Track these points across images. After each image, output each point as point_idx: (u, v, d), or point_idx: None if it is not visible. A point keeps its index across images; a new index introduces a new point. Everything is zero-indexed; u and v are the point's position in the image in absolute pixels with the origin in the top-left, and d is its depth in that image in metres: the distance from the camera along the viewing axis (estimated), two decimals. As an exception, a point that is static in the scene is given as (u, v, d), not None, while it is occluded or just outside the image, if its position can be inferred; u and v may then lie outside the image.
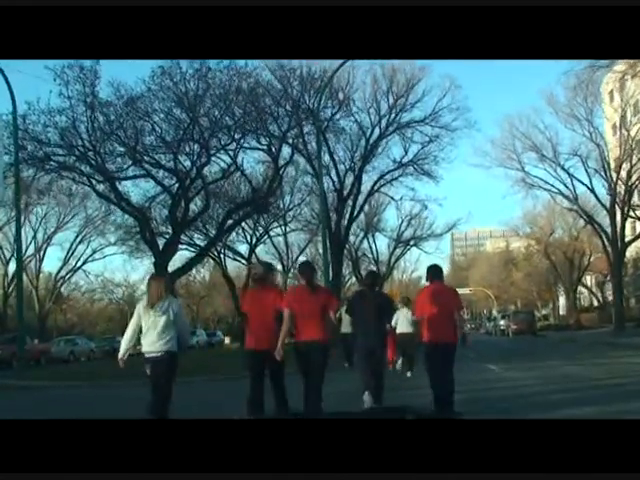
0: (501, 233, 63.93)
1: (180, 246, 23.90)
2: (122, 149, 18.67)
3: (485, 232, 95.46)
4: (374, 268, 35.17)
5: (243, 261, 32.51)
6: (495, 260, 60.64)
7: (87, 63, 16.88)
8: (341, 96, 23.12)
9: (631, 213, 29.39)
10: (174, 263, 22.82)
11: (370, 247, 37.32)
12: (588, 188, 29.82)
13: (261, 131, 20.45)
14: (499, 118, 48.60)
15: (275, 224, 30.56)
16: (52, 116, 17.36)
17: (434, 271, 6.17)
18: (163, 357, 4.84)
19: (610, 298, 37.24)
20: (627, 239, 29.92)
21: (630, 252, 33.39)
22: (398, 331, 10.73)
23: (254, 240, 31.25)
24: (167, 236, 20.94)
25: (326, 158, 24.66)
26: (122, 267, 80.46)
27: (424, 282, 7.30)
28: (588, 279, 47.26)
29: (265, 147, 21.93)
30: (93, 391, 11.87)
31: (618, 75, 24.35)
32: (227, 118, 19.13)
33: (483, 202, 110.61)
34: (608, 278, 37.62)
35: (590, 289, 47.78)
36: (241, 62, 18.44)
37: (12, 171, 16.41)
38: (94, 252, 38.65)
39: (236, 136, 19.78)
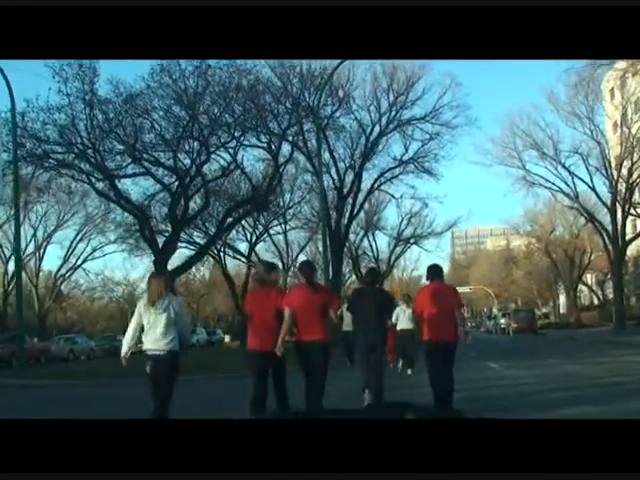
0: (501, 231, 63.88)
1: (180, 244, 23.88)
2: (121, 147, 18.62)
3: (485, 230, 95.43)
4: (374, 266, 35.17)
5: (243, 259, 32.48)
6: (495, 258, 60.62)
7: (86, 61, 16.83)
8: (341, 93, 23.06)
9: (632, 211, 29.36)
10: (174, 261, 22.83)
11: (370, 245, 37.35)
12: (589, 186, 29.82)
13: (261, 129, 20.40)
14: (500, 116, 48.54)
15: (275, 222, 30.53)
16: (51, 114, 17.34)
17: (434, 270, 6.18)
18: (165, 356, 4.82)
19: (611, 296, 37.21)
20: (628, 237, 29.90)
21: (631, 250, 33.37)
22: (398, 327, 10.78)
23: (254, 238, 31.25)
24: (167, 234, 20.89)
25: (326, 156, 24.62)
26: (122, 265, 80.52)
27: (424, 281, 7.30)
28: (589, 277, 47.26)
29: (265, 145, 21.89)
30: (93, 390, 11.86)
31: (619, 73, 24.30)
32: (227, 115, 19.08)
33: (484, 200, 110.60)
34: (609, 276, 37.59)
35: (590, 287, 47.78)
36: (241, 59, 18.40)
37: (11, 169, 16.37)
38: (94, 250, 38.69)
39: (236, 134, 19.73)
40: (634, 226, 34.59)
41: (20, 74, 20.48)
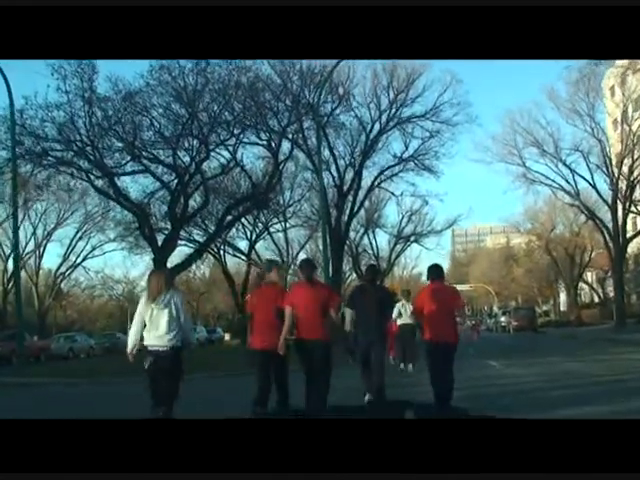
0: (502, 229, 63.83)
1: (179, 242, 23.84)
2: (120, 144, 18.55)
3: (486, 228, 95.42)
4: (374, 263, 35.12)
5: (243, 257, 32.44)
6: (496, 256, 60.61)
7: (85, 58, 16.74)
8: (341, 91, 23.01)
9: (633, 208, 29.32)
10: (173, 259, 22.80)
11: (370, 243, 37.33)
12: (589, 184, 29.78)
13: (261, 126, 20.33)
14: (500, 113, 48.48)
15: (275, 220, 30.47)
16: (50, 111, 17.24)
17: (434, 271, 6.17)
18: (167, 352, 4.78)
19: (611, 294, 37.18)
20: (628, 235, 29.86)
21: (631, 248, 33.32)
22: (399, 323, 10.86)
23: (254, 236, 31.20)
24: (166, 232, 20.83)
25: (326, 153, 24.60)
26: (122, 263, 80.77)
27: (424, 279, 7.30)
28: (589, 275, 47.22)
29: (265, 142, 21.82)
30: (93, 388, 11.83)
31: (619, 70, 24.24)
32: (226, 113, 19.01)
33: (484, 198, 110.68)
34: (609, 274, 37.56)
35: (591, 285, 47.75)
36: (240, 57, 18.28)
37: (9, 166, 16.32)
38: (94, 248, 38.66)
39: (235, 131, 19.66)
40: (634, 224, 34.56)
41: (19, 71, 20.35)
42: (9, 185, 17.63)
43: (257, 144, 22.22)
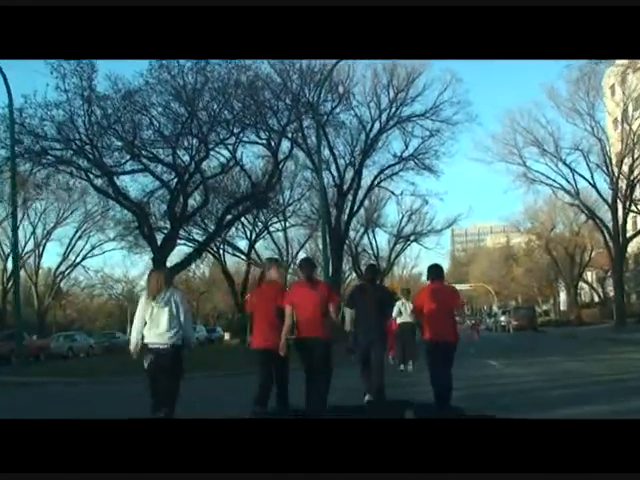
0: (501, 228, 63.79)
1: (179, 241, 23.82)
2: (120, 143, 18.50)
3: (485, 228, 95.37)
4: (374, 263, 35.11)
5: (242, 257, 32.41)
6: (495, 256, 60.57)
7: (84, 56, 16.70)
8: (341, 90, 22.96)
9: (633, 208, 29.28)
10: (173, 259, 22.76)
11: (370, 243, 37.30)
12: (590, 183, 29.74)
13: (260, 125, 20.28)
14: (500, 112, 48.39)
15: (275, 219, 30.44)
16: (49, 110, 17.20)
17: (434, 270, 6.18)
18: (168, 350, 4.79)
19: (611, 294, 37.16)
20: (629, 234, 29.83)
21: (631, 247, 33.30)
22: (399, 321, 10.86)
23: (253, 235, 31.16)
24: (166, 231, 20.79)
25: (326, 152, 24.56)
26: (122, 263, 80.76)
27: (424, 278, 7.32)
28: (589, 275, 47.19)
29: (264, 141, 21.77)
30: (92, 387, 11.81)
31: (620, 69, 24.19)
32: (226, 112, 18.96)
33: (484, 197, 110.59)
34: (609, 274, 37.54)
35: (591, 285, 47.72)
36: (240, 55, 18.23)
37: (9, 165, 16.28)
38: (93, 248, 38.65)
39: (235, 130, 19.61)
40: (635, 223, 34.53)
41: (18, 70, 20.32)
42: (8, 184, 17.61)
43: (257, 143, 22.19)
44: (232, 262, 36.36)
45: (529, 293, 55.60)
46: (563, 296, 50.63)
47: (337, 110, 23.01)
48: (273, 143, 21.51)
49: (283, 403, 5.41)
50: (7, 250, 35.14)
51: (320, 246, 23.29)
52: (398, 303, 10.73)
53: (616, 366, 10.60)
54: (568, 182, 30.01)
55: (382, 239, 66.48)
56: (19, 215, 30.10)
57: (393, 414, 1.47)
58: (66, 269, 40.25)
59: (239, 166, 22.56)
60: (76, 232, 37.30)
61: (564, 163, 29.56)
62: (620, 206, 28.60)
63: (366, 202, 30.19)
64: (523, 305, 46.51)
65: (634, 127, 27.95)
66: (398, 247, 38.22)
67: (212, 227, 24.25)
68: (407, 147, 26.58)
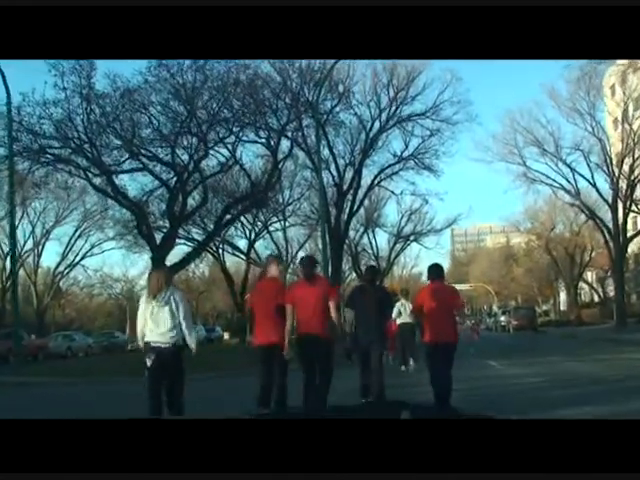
0: (501, 228, 63.74)
1: (178, 241, 23.75)
2: (118, 142, 18.43)
3: (485, 228, 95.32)
4: (374, 263, 35.08)
5: (242, 256, 32.35)
6: (495, 256, 60.56)
7: (83, 55, 16.58)
8: (341, 89, 22.87)
9: (633, 208, 29.24)
10: (172, 258, 22.67)
11: (370, 242, 37.23)
12: (590, 183, 29.69)
13: (260, 124, 20.19)
14: (500, 112, 48.27)
15: (274, 219, 30.39)
16: (47, 108, 17.12)
17: (435, 270, 6.17)
18: (169, 349, 4.84)
19: (611, 294, 37.12)
20: (629, 234, 29.79)
21: (632, 247, 33.25)
22: (399, 322, 10.86)
23: (253, 235, 31.11)
24: (165, 230, 20.73)
25: (325, 152, 24.47)
26: (121, 262, 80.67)
27: (424, 278, 7.32)
28: (589, 275, 47.16)
29: (264, 140, 21.68)
30: (90, 387, 11.76)
31: (620, 68, 24.15)
32: (225, 111, 18.87)
33: (484, 197, 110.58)
34: (609, 274, 37.49)
35: (591, 285, 47.68)
36: (239, 54, 18.11)
37: (7, 164, 16.21)
38: (93, 247, 38.62)
39: (234, 129, 19.52)
40: (635, 223, 34.49)
41: (16, 68, 20.24)
42: (7, 183, 17.54)
43: (256, 142, 22.10)
44: (231, 262, 36.36)
45: (529, 293, 55.58)
46: (563, 296, 50.59)
47: (337, 109, 22.93)
48: (272, 142, 21.43)
49: (282, 402, 5.38)
50: (6, 249, 35.12)
51: (320, 246, 23.22)
52: (398, 304, 10.75)
53: (616, 366, 10.57)
54: (568, 182, 30.01)
55: (382, 239, 66.47)
56: (18, 214, 30.16)
57: (390, 414, 1.46)
58: (65, 268, 40.22)
59: (238, 165, 22.50)
60: (75, 231, 37.32)
61: (564, 163, 29.54)
62: (620, 206, 28.56)
63: (366, 202, 30.13)
64: (523, 305, 46.47)
65: (634, 127, 27.90)
66: (398, 247, 38.18)
67: (211, 226, 24.18)
68: (407, 147, 26.54)
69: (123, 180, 20.23)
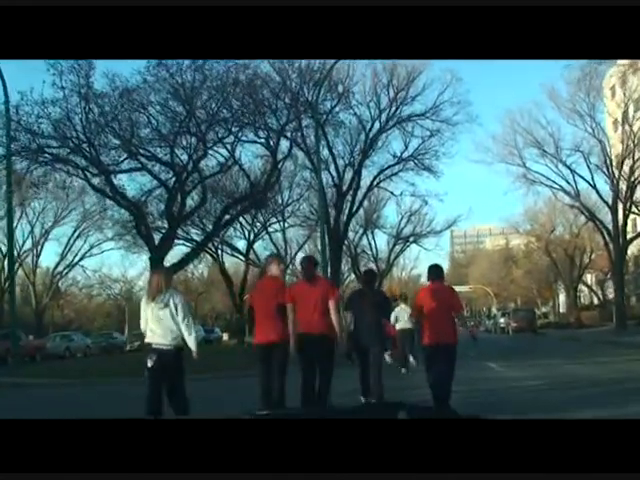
0: (501, 230, 63.74)
1: (177, 241, 23.68)
2: (117, 142, 18.36)
3: (485, 229, 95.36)
4: (373, 265, 35.05)
5: (241, 257, 32.28)
6: (495, 257, 60.56)
7: (81, 54, 16.50)
8: (341, 89, 22.82)
9: (633, 209, 29.20)
10: (171, 258, 22.62)
11: (369, 243, 37.21)
12: (590, 184, 29.68)
13: (259, 124, 20.13)
14: (500, 113, 48.29)
15: (273, 219, 30.35)
16: (45, 107, 17.04)
17: (435, 271, 6.17)
18: (171, 351, 4.88)
19: (611, 296, 37.10)
20: (629, 236, 29.75)
21: (631, 249, 33.22)
22: (397, 327, 10.78)
23: (252, 236, 31.04)
24: (163, 231, 20.66)
25: (325, 152, 24.44)
26: (120, 263, 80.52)
27: (423, 280, 7.36)
28: (589, 277, 47.14)
29: (263, 141, 21.62)
30: (88, 388, 11.70)
31: (620, 69, 24.14)
32: (224, 110, 18.81)
33: (484, 198, 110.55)
34: (609, 276, 37.47)
35: (590, 287, 47.67)
36: (239, 54, 18.04)
37: (5, 163, 16.15)
38: (92, 247, 38.59)
39: (233, 129, 19.46)
40: (635, 225, 34.47)
41: (14, 67, 20.16)
42: (5, 182, 17.48)
43: (255, 142, 22.04)
44: (230, 262, 36.31)
45: (528, 295, 55.56)
46: (563, 298, 50.56)
47: (336, 109, 22.86)
48: (272, 142, 21.37)
49: (281, 402, 5.37)
50: (4, 249, 35.05)
51: (319, 247, 23.15)
52: (397, 309, 10.71)
53: (616, 369, 10.52)
54: (568, 183, 29.98)
55: (381, 240, 66.37)
56: (17, 214, 30.10)
57: (387, 415, 1.47)
58: (64, 269, 40.18)
59: (237, 165, 22.45)
60: (74, 232, 37.28)
61: (564, 164, 29.52)
62: (620, 208, 28.53)
63: (365, 203, 30.09)
64: (522, 307, 46.43)
65: (635, 128, 27.88)
66: (397, 248, 38.15)
67: (210, 227, 24.13)
68: (407, 147, 26.50)
69: (122, 180, 20.18)
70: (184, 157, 19.60)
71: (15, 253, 28.28)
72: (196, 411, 4.83)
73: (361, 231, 34.79)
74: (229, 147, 20.59)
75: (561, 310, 50.32)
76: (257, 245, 32.68)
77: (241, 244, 31.93)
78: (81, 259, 39.29)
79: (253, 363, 5.74)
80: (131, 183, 22.88)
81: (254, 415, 1.72)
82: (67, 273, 41.06)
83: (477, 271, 63.10)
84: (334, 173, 25.96)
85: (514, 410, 6.02)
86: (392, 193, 30.22)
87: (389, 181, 28.37)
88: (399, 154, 26.59)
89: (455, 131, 26.12)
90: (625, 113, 28.60)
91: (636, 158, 27.81)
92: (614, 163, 28.65)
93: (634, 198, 28.73)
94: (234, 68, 18.16)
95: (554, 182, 30.22)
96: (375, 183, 28.04)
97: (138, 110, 18.16)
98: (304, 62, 20.24)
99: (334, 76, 21.35)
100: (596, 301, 45.71)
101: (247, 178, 23.28)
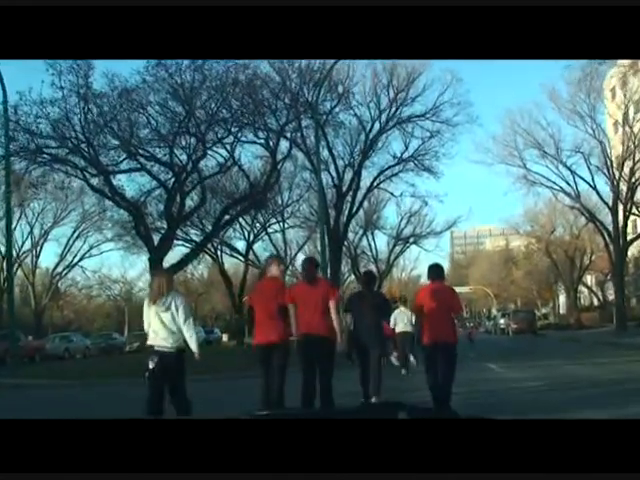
0: (501, 231, 63.74)
1: (176, 242, 23.65)
2: (116, 142, 18.33)
3: (485, 230, 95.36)
4: (373, 266, 35.05)
5: (241, 258, 32.26)
6: (495, 258, 60.56)
7: (81, 54, 16.46)
8: (341, 89, 22.80)
9: (633, 210, 29.20)
10: (170, 259, 22.58)
11: (369, 244, 37.17)
12: (590, 185, 29.66)
13: (259, 124, 20.10)
14: (500, 114, 48.26)
15: (273, 220, 30.33)
16: (44, 107, 17.02)
17: (435, 270, 6.17)
18: (172, 353, 4.90)
19: (611, 297, 37.09)
20: (629, 237, 29.74)
21: (632, 251, 33.21)
22: (397, 330, 10.75)
23: (252, 237, 31.02)
24: (163, 231, 20.63)
25: (325, 153, 24.43)
26: (119, 263, 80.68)
27: (423, 281, 7.37)
28: (589, 278, 47.13)
29: (263, 141, 21.60)
30: (89, 389, 11.69)
31: (621, 70, 24.14)
32: (224, 111, 18.78)
33: (484, 199, 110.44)
34: (609, 277, 37.46)
35: (591, 288, 47.66)
36: (238, 54, 18.02)
37: (3, 163, 16.12)
38: (91, 248, 38.55)
39: (233, 129, 19.43)
40: (635, 226, 34.46)
41: (13, 67, 20.15)
42: (4, 183, 17.45)
43: (255, 143, 22.02)
44: (230, 263, 36.31)
45: (528, 296, 55.54)
46: (563, 299, 50.56)
47: (336, 110, 22.84)
48: (271, 143, 21.34)
49: (280, 402, 5.37)
50: (4, 250, 35.01)
51: (319, 248, 23.12)
52: (396, 311, 10.69)
53: (616, 370, 10.50)
54: (568, 184, 29.96)
55: (381, 241, 66.40)
56: (16, 215, 30.07)
57: (387, 415, 1.48)
58: (63, 269, 40.14)
59: (237, 166, 22.42)
60: (74, 232, 37.24)
61: (564, 165, 29.50)
62: (620, 209, 28.52)
63: (365, 203, 30.06)
64: (522, 308, 46.44)
65: (635, 130, 27.88)
66: (397, 249, 38.11)
67: (210, 227, 24.10)
68: (407, 148, 26.48)
69: (121, 180, 20.14)
70: (183, 157, 19.58)
71: (14, 254, 28.28)
72: (196, 412, 4.84)
73: (361, 232, 34.79)
74: (228, 147, 20.56)
75: (561, 311, 50.32)
76: (257, 246, 32.71)
77: (241, 245, 31.96)
78: (80, 260, 39.30)
79: (253, 364, 5.74)
80: (130, 183, 22.82)
81: (253, 415, 1.71)
82: (66, 274, 41.07)
83: (477, 272, 63.08)
84: (334, 174, 25.97)
85: (514, 411, 6.02)
86: (392, 194, 30.24)
87: (389, 182, 28.39)
88: (399, 155, 26.61)
89: (455, 132, 26.14)
90: (625, 114, 28.59)
91: (636, 159, 27.80)
92: (614, 164, 28.64)
93: (634, 199, 28.72)
94: (233, 68, 18.14)
95: (554, 183, 30.25)
96: (375, 184, 28.03)
97: (137, 110, 18.13)
98: (304, 62, 20.22)
99: (334, 76, 21.34)
100: (596, 302, 45.68)
101: (247, 179, 23.26)
